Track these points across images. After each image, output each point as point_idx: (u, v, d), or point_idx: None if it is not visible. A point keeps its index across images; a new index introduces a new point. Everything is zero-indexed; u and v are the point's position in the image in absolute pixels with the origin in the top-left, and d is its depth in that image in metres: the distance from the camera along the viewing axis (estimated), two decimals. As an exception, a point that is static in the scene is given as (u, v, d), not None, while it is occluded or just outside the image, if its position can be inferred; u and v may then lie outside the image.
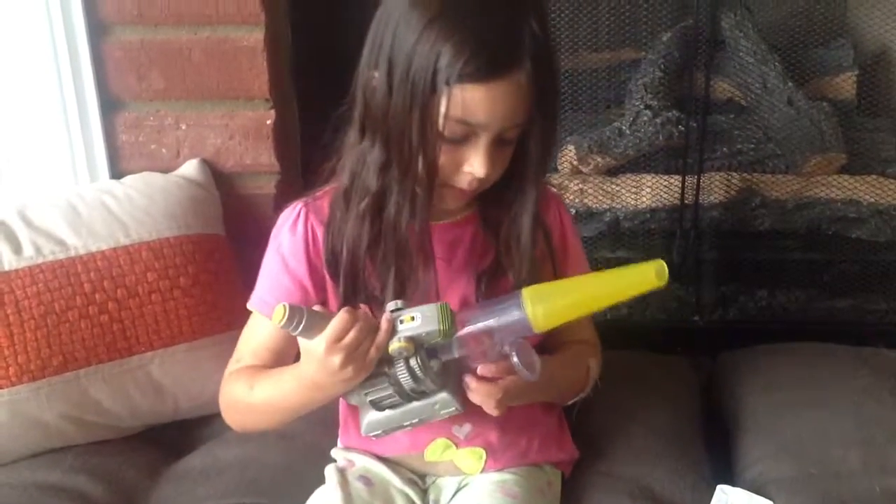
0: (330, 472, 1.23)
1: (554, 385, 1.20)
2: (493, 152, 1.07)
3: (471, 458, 1.22)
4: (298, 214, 1.20)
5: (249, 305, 1.24)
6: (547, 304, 1.03)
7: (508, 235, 1.16)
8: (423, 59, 1.02)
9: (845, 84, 1.75)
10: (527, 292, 1.04)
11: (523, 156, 1.10)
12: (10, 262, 1.35)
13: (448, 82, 1.01)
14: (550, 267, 1.21)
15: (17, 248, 1.37)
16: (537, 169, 1.12)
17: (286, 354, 1.23)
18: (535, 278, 1.14)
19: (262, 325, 1.23)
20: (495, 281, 1.17)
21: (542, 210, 1.17)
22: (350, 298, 1.16)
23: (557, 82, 1.12)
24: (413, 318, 1.03)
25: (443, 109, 1.03)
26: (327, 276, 1.19)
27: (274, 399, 1.17)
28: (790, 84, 1.70)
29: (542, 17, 1.05)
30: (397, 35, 1.04)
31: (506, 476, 1.22)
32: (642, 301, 1.77)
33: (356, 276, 1.16)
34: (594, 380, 1.26)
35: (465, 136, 1.06)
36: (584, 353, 1.26)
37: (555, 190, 1.33)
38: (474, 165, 1.07)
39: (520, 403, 1.15)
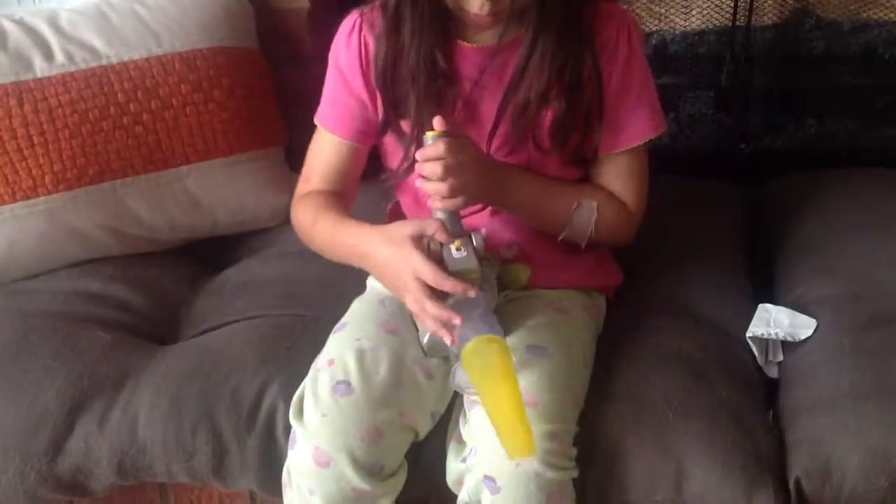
0: (372, 280, 1.23)
1: (518, 199, 1.17)
2: None
3: (517, 271, 1.20)
4: (353, 26, 1.18)
5: (315, 119, 1.24)
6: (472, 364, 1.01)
7: (529, 61, 1.10)
8: None
9: None
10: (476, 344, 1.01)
11: None
12: (42, 70, 1.33)
13: None
14: (595, 89, 1.14)
15: (48, 55, 1.34)
16: None
17: (351, 175, 1.24)
18: (572, 110, 1.12)
19: (327, 141, 1.23)
20: (531, 110, 1.12)
21: (595, 30, 1.12)
22: (390, 112, 1.17)
23: None
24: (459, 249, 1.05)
25: None
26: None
27: (326, 244, 1.19)
28: None
29: None
30: None
31: (555, 294, 1.20)
32: (687, 127, 1.72)
33: (388, 91, 1.15)
34: (588, 223, 1.19)
35: None
36: (587, 194, 1.19)
37: (625, 9, 1.23)
38: None
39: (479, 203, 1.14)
